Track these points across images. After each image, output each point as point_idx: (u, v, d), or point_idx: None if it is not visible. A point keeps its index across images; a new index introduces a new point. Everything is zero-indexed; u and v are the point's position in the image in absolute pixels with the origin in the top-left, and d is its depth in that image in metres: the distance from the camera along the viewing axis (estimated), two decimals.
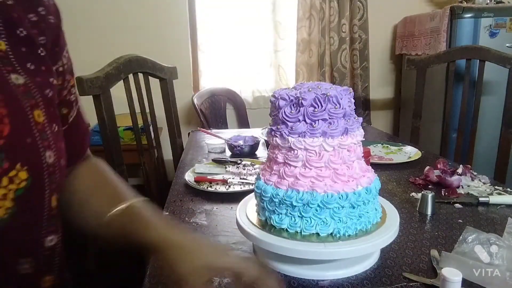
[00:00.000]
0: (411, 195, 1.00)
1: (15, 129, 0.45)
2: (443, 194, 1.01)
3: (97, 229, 0.54)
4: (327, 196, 0.62)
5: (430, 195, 0.89)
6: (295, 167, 0.64)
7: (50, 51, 0.54)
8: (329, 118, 0.63)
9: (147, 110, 1.48)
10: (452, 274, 0.55)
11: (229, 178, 1.13)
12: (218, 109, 2.65)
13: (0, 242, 0.45)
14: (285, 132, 0.64)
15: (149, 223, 0.51)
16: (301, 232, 0.63)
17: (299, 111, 0.64)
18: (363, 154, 0.69)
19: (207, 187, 1.07)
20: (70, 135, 0.60)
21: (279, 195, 0.64)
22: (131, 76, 1.32)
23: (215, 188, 1.07)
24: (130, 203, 0.54)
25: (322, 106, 0.63)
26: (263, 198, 0.66)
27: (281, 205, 0.64)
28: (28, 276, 0.49)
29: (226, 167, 1.25)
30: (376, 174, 0.70)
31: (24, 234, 0.48)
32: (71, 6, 2.30)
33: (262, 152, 1.44)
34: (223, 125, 2.64)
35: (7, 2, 0.48)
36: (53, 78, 0.53)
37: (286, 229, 0.64)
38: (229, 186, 1.08)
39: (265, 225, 0.67)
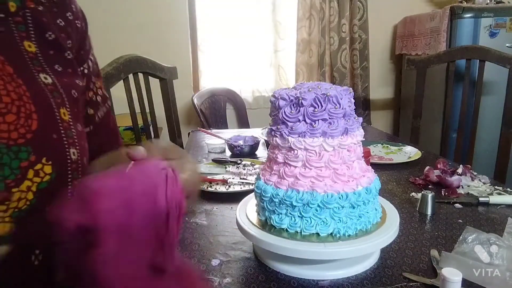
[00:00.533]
0: (411, 195, 1.00)
1: (42, 125, 0.47)
2: (443, 194, 1.01)
3: None
4: (327, 196, 0.62)
5: (430, 195, 0.89)
6: (295, 167, 0.64)
7: (76, 53, 0.57)
8: (329, 118, 0.63)
9: (147, 110, 1.48)
10: (452, 274, 0.55)
11: (229, 178, 1.13)
12: (218, 109, 2.65)
13: (20, 233, 0.46)
14: (285, 132, 0.64)
15: None
16: (301, 232, 0.63)
17: (299, 111, 0.64)
18: (363, 154, 0.69)
19: (207, 187, 1.07)
20: (97, 135, 0.62)
21: (279, 195, 0.64)
22: (131, 76, 1.32)
23: (215, 188, 1.07)
24: None
25: (322, 106, 0.63)
26: (263, 198, 0.66)
27: (281, 205, 0.64)
28: (40, 268, 0.49)
29: (226, 167, 1.25)
30: (376, 174, 0.70)
31: (41, 227, 0.48)
32: None
33: (262, 152, 1.44)
34: (223, 125, 2.64)
35: (38, 8, 0.51)
36: (78, 80, 0.55)
37: (286, 229, 0.64)
38: (229, 186, 1.08)
39: (265, 225, 0.67)
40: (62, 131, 0.49)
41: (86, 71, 0.60)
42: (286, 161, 0.65)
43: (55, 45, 0.52)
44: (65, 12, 0.55)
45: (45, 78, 0.50)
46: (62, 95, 0.51)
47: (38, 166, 0.45)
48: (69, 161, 0.49)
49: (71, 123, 0.50)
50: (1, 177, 0.42)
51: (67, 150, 0.49)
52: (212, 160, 1.32)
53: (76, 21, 0.57)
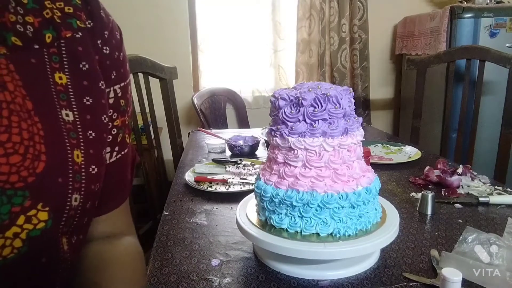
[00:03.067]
0: (411, 195, 1.00)
1: (49, 168, 0.44)
2: (443, 194, 1.01)
3: None
4: (327, 196, 0.62)
5: (430, 195, 0.89)
6: (295, 167, 0.64)
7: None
8: (329, 118, 0.63)
9: (147, 110, 1.48)
10: (452, 274, 0.55)
11: (229, 178, 1.13)
12: (218, 109, 2.65)
13: (4, 282, 0.43)
14: (285, 132, 0.64)
15: None
16: (301, 232, 0.63)
17: (299, 111, 0.64)
18: (363, 154, 0.69)
19: (207, 187, 1.07)
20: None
21: (279, 195, 0.64)
22: (131, 76, 1.32)
23: (215, 188, 1.07)
24: None
25: (322, 106, 0.63)
26: (263, 198, 0.66)
27: (281, 205, 0.64)
28: None
29: (226, 167, 1.25)
30: (376, 174, 0.70)
31: (35, 277, 0.46)
32: None
33: (262, 152, 1.44)
34: (223, 125, 2.64)
35: (76, 35, 0.49)
36: (105, 115, 0.52)
37: (286, 229, 0.64)
38: (229, 186, 1.08)
39: (265, 225, 0.67)
40: (70, 175, 0.46)
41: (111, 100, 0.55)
42: (286, 161, 0.65)
43: (89, 75, 0.50)
44: (102, 31, 0.53)
45: (67, 115, 0.47)
46: (80, 135, 0.48)
47: (32, 212, 0.42)
48: (67, 207, 0.46)
49: (83, 166, 0.48)
50: None
51: (69, 196, 0.46)
52: (212, 160, 1.32)
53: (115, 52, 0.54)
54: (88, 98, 0.50)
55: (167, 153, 1.64)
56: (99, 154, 0.51)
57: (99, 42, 0.52)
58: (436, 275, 0.63)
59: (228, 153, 1.46)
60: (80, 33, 0.49)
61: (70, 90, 0.48)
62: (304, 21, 2.71)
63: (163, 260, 0.72)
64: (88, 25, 0.51)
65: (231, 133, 1.70)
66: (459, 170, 1.07)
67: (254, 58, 2.83)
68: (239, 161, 1.29)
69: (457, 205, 0.93)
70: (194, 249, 0.75)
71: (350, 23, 2.72)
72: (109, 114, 0.54)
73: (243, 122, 2.72)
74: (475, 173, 1.10)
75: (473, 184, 1.04)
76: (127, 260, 0.58)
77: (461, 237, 0.74)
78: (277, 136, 0.66)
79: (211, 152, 1.47)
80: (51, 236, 0.45)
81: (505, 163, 1.53)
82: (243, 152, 1.41)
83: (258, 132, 1.63)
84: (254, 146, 1.44)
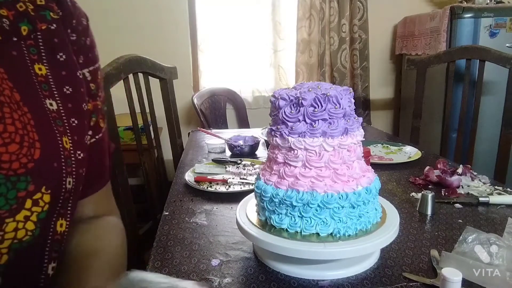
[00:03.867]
0: (411, 195, 1.00)
1: (45, 154, 0.46)
2: (443, 194, 1.01)
3: None
4: (327, 196, 0.62)
5: (430, 195, 0.89)
6: (295, 167, 0.64)
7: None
8: (329, 118, 0.63)
9: (147, 110, 1.48)
10: (452, 274, 0.55)
11: (229, 178, 1.13)
12: (218, 109, 2.65)
13: (19, 266, 0.45)
14: (285, 132, 0.64)
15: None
16: (301, 232, 0.63)
17: (299, 111, 0.64)
18: (363, 154, 0.69)
19: (207, 187, 1.07)
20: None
21: (279, 195, 0.64)
22: (131, 76, 1.32)
23: (215, 188, 1.07)
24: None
25: (322, 106, 0.63)
26: (263, 198, 0.66)
27: (281, 205, 0.64)
28: None
29: (226, 167, 1.25)
30: (376, 174, 0.70)
31: (31, 259, 0.48)
32: None
33: (262, 152, 1.44)
34: (223, 125, 2.64)
35: (51, 27, 0.51)
36: (85, 103, 0.55)
37: (286, 229, 0.64)
38: (229, 186, 1.08)
39: (265, 225, 0.67)
40: (63, 160, 0.49)
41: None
42: (286, 161, 0.65)
43: (66, 65, 0.52)
44: (72, 20, 0.54)
45: (51, 104, 0.49)
46: (65, 122, 0.51)
47: (37, 195, 0.45)
48: (63, 190, 0.49)
49: (71, 151, 0.50)
50: None
51: (64, 179, 0.48)
52: (212, 160, 1.32)
53: (79, 26, 0.56)
54: (68, 87, 0.52)
55: (167, 153, 1.64)
56: (82, 140, 0.53)
57: (69, 31, 0.53)
58: (436, 275, 0.63)
59: (228, 153, 1.46)
60: (54, 25, 0.51)
61: (51, 80, 0.50)
62: (304, 21, 2.71)
63: (163, 260, 0.72)
64: (59, 16, 0.52)
65: (231, 133, 1.70)
66: (459, 170, 1.07)
67: (254, 58, 2.83)
68: (239, 161, 1.29)
69: (457, 205, 0.93)
70: (194, 249, 0.75)
71: (350, 23, 2.72)
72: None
73: (243, 122, 2.72)
74: (475, 173, 1.10)
75: (473, 184, 1.04)
76: (112, 233, 0.61)
77: (461, 237, 0.74)
78: (277, 136, 0.66)
79: (211, 152, 1.47)
80: (51, 218, 0.48)
81: (505, 163, 1.53)
82: (243, 152, 1.41)
83: (258, 132, 1.64)
84: (254, 146, 1.44)
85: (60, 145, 0.49)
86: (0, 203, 0.42)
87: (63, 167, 0.49)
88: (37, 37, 0.49)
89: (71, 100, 0.52)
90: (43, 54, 0.50)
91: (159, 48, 2.51)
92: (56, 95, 0.50)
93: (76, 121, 0.53)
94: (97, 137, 0.59)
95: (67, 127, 0.51)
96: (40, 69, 0.49)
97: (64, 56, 0.52)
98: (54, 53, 0.51)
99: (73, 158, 0.50)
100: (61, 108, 0.51)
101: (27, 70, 0.48)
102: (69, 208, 0.52)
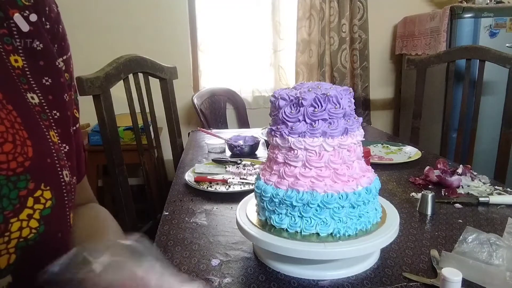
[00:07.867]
0: (411, 195, 1.00)
1: (37, 150, 0.46)
2: (443, 194, 1.01)
3: None
4: (327, 196, 0.62)
5: (430, 195, 0.89)
6: (295, 167, 0.64)
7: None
8: (329, 118, 0.63)
9: (147, 110, 1.48)
10: (452, 274, 0.54)
11: (229, 178, 1.13)
12: (218, 109, 2.65)
13: (27, 264, 0.45)
14: (285, 132, 0.64)
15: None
16: (301, 232, 0.63)
17: (299, 111, 0.64)
18: (363, 154, 0.69)
19: (207, 187, 1.07)
20: None
21: (279, 195, 0.64)
22: (131, 76, 1.32)
23: (215, 188, 1.07)
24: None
25: (322, 106, 0.63)
26: (263, 198, 0.66)
27: (281, 205, 0.64)
28: None
29: (226, 167, 1.25)
30: (376, 174, 0.70)
31: (51, 254, 0.48)
32: (71, 6, 2.30)
33: (262, 152, 1.44)
34: (223, 125, 2.64)
35: (24, 14, 0.48)
36: (66, 94, 0.53)
37: (286, 229, 0.64)
38: (229, 186, 1.08)
39: (265, 225, 0.67)
40: (55, 154, 0.48)
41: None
42: (286, 161, 0.65)
43: (44, 55, 0.49)
44: (50, 12, 0.52)
45: (32, 98, 0.48)
46: (49, 116, 0.49)
47: (38, 192, 0.45)
48: (63, 183, 0.48)
49: (60, 145, 0.50)
50: (0, 209, 0.42)
51: (60, 172, 0.48)
52: (212, 160, 1.32)
53: (52, 14, 0.53)
54: (47, 78, 0.50)
55: (167, 153, 1.64)
56: (67, 132, 0.52)
57: (43, 19, 0.51)
58: (436, 275, 0.63)
59: (228, 153, 1.45)
60: (27, 11, 0.48)
61: (28, 72, 0.48)
62: (304, 21, 2.71)
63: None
64: (31, 2, 0.49)
65: (231, 133, 1.70)
66: (459, 170, 1.07)
67: (254, 58, 2.83)
68: (239, 161, 1.29)
69: (457, 205, 0.93)
70: (194, 249, 0.75)
71: (350, 23, 2.72)
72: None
73: (243, 122, 2.72)
74: (475, 173, 1.10)
75: (473, 184, 1.04)
76: (106, 214, 0.62)
77: (461, 237, 0.74)
78: (277, 136, 0.66)
79: (211, 152, 1.47)
80: (60, 213, 0.48)
81: (505, 163, 1.53)
82: (243, 152, 1.41)
83: (258, 132, 1.63)
84: (254, 146, 1.44)
85: (49, 140, 0.48)
86: (4, 204, 0.42)
87: (56, 161, 0.48)
88: (10, 25, 0.46)
89: (51, 92, 0.50)
90: (18, 43, 0.47)
91: (159, 48, 2.51)
92: (35, 88, 0.48)
93: (58, 113, 0.51)
94: (74, 128, 0.58)
95: (51, 121, 0.50)
96: (16, 60, 0.47)
97: (41, 45, 0.49)
98: (29, 42, 0.48)
99: (62, 151, 0.50)
100: (42, 101, 0.49)
101: (3, 63, 0.46)
102: (72, 200, 0.52)
